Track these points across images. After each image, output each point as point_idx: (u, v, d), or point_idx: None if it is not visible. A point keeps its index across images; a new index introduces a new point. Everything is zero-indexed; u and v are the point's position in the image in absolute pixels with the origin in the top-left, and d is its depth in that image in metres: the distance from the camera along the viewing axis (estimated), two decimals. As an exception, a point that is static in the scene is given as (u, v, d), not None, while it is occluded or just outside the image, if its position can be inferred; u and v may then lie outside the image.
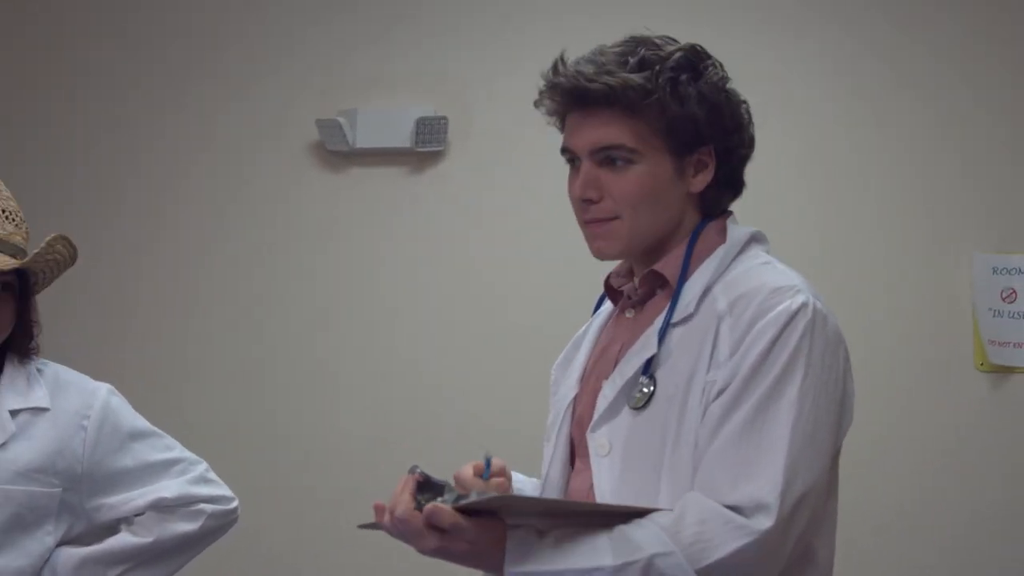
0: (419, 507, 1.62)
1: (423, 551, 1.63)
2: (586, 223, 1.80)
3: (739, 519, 1.58)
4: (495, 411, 3.51)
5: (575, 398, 1.89)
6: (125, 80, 3.85)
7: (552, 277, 3.64)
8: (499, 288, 3.72)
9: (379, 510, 1.67)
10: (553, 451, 1.88)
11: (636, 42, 1.78)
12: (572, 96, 1.77)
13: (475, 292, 3.74)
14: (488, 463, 1.74)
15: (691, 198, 1.81)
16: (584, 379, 1.90)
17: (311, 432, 3.73)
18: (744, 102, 1.83)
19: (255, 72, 3.82)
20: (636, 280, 1.85)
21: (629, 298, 1.87)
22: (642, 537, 1.58)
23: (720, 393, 1.67)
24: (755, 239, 1.84)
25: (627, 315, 1.87)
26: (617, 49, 1.77)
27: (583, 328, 2.01)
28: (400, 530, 1.63)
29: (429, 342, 3.74)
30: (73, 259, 2.42)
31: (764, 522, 1.58)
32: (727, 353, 1.68)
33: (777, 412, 1.63)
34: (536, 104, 1.84)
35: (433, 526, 1.59)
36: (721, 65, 1.81)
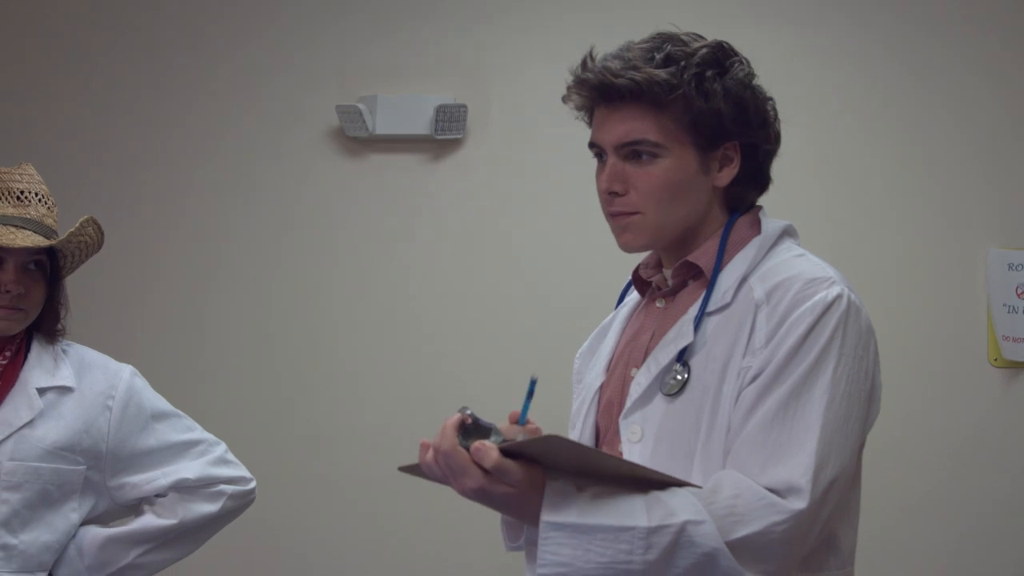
0: (463, 446, 1.61)
1: (463, 491, 1.61)
2: (612, 216, 1.82)
3: (772, 497, 1.61)
4: (513, 398, 3.49)
5: (602, 386, 1.90)
6: (147, 67, 3.85)
7: (571, 265, 3.65)
8: (516, 276, 3.73)
9: (424, 447, 1.66)
10: (579, 438, 1.89)
11: (663, 38, 1.80)
12: (599, 91, 1.78)
13: (492, 279, 3.74)
14: (532, 387, 1.70)
15: (716, 192, 1.83)
16: (612, 367, 1.91)
17: (326, 417, 3.74)
18: (770, 99, 1.85)
19: (277, 58, 3.82)
20: (668, 271, 1.87)
21: (659, 289, 1.89)
22: (677, 503, 1.60)
23: (755, 379, 1.69)
24: (787, 233, 1.87)
25: (658, 305, 1.88)
26: (644, 45, 1.79)
27: (608, 318, 2.02)
28: (444, 465, 1.61)
29: (446, 328, 3.75)
30: (100, 243, 2.46)
31: (797, 503, 1.61)
32: (763, 340, 1.71)
33: (810, 398, 1.66)
34: (564, 99, 1.86)
35: (478, 465, 1.58)
36: (747, 62, 1.82)
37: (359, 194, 3.79)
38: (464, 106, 3.70)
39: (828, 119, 3.70)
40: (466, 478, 1.59)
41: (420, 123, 3.72)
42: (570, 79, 1.84)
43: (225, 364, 3.77)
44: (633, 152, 1.78)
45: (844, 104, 3.71)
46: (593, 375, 1.94)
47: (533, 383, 1.69)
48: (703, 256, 1.82)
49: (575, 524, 1.58)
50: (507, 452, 1.58)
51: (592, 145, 1.84)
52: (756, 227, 1.85)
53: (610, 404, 1.87)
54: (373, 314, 3.77)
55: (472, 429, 1.62)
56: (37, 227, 2.35)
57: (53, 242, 2.35)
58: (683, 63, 1.76)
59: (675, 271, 1.85)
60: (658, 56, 1.76)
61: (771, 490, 1.62)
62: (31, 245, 2.31)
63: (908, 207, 3.68)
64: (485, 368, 3.68)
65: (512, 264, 3.74)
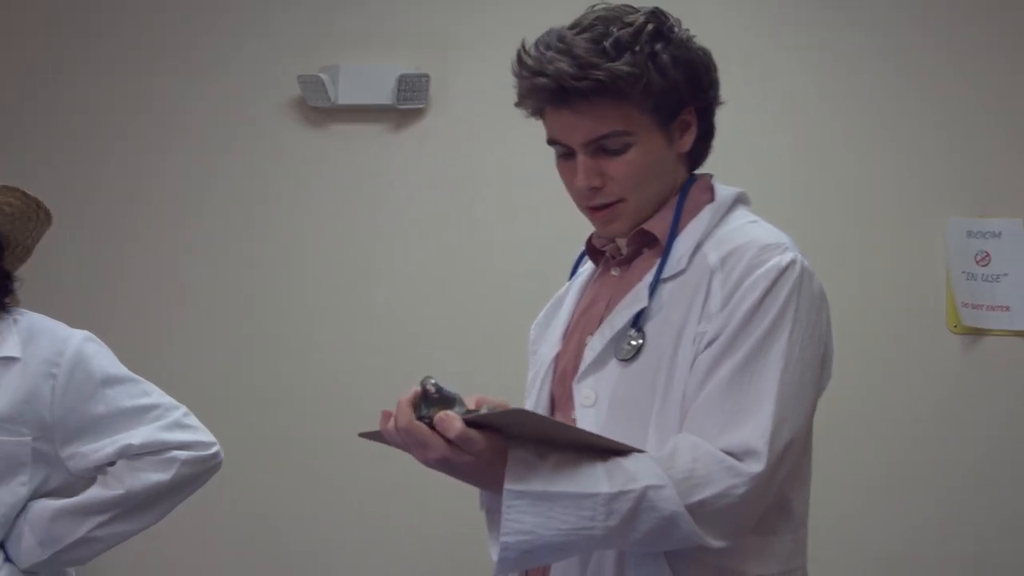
0: (420, 417, 1.62)
1: (426, 461, 1.62)
2: (592, 209, 1.82)
3: (730, 460, 1.63)
4: (478, 367, 3.47)
5: (557, 355, 1.91)
6: (106, 40, 3.82)
7: (535, 235, 3.63)
8: (478, 245, 3.72)
9: (385, 416, 1.66)
10: (534, 406, 1.89)
11: (600, 20, 1.77)
12: (558, 95, 1.75)
13: (455, 249, 3.74)
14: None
15: (681, 157, 1.85)
16: (567, 336, 1.92)
17: (291, 385, 3.74)
18: (706, 49, 1.84)
19: (238, 28, 3.79)
20: (622, 240, 1.87)
21: (613, 257, 1.90)
22: (636, 468, 1.61)
23: (710, 344, 1.70)
24: (740, 200, 1.88)
25: (613, 273, 1.89)
26: (585, 35, 1.75)
27: (563, 289, 2.02)
28: (404, 438, 1.62)
29: (410, 297, 3.75)
30: (39, 215, 2.39)
31: (754, 466, 1.62)
32: (718, 305, 1.72)
33: (766, 362, 1.68)
34: (517, 105, 1.83)
35: (441, 435, 1.58)
36: (679, 21, 1.82)
37: (322, 164, 3.77)
38: (426, 75, 3.68)
39: (784, 88, 3.70)
40: (428, 449, 1.60)
41: (382, 93, 3.70)
42: (517, 83, 1.80)
43: (190, 333, 3.76)
44: (601, 146, 1.77)
45: (801, 73, 3.71)
46: (548, 345, 1.94)
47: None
48: (658, 224, 1.83)
49: (538, 492, 1.58)
50: (471, 423, 1.58)
51: (554, 143, 1.82)
52: (709, 193, 1.87)
53: (565, 373, 1.87)
54: (337, 284, 3.76)
55: (436, 398, 1.62)
56: None
57: None
58: (636, 47, 1.74)
59: (630, 240, 1.86)
60: (607, 45, 1.73)
61: (729, 453, 1.63)
62: None
63: (867, 175, 3.68)
64: (449, 337, 3.67)
65: (475, 234, 3.73)
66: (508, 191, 3.70)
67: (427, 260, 3.75)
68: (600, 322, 1.83)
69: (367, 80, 3.70)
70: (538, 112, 1.82)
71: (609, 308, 1.84)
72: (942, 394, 3.62)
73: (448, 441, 1.58)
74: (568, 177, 1.83)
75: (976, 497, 3.59)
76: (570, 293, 1.99)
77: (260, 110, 3.79)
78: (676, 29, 1.80)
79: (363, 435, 1.77)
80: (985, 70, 3.67)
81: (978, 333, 3.63)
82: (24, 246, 2.43)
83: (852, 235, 3.67)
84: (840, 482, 3.43)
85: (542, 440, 1.63)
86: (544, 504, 1.58)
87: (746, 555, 1.71)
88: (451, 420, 1.58)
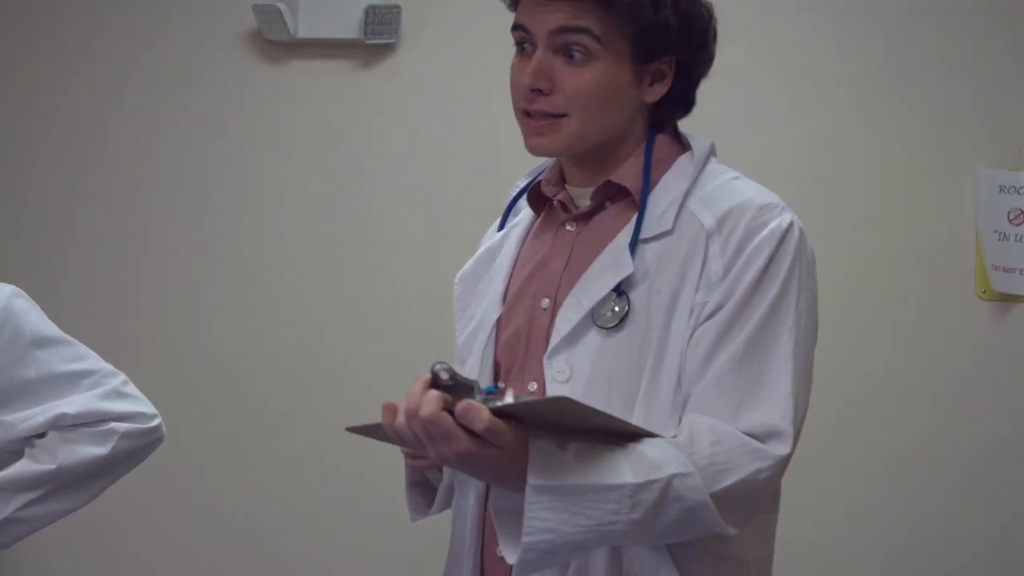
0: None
1: (442, 456, 1.57)
2: (528, 115, 1.80)
3: (754, 443, 1.64)
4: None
5: (500, 319, 1.89)
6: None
7: (509, 175, 3.47)
8: (451, 189, 3.57)
9: (389, 409, 1.59)
10: (474, 374, 1.84)
11: None
12: None
13: (425, 192, 3.59)
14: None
15: (642, 108, 1.83)
16: (512, 298, 1.89)
17: (256, 342, 3.61)
18: (714, 18, 1.85)
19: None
20: (576, 189, 1.87)
21: (564, 209, 1.88)
22: (660, 457, 1.61)
23: (712, 315, 1.70)
24: (712, 152, 1.88)
25: (568, 228, 1.87)
26: None
27: (495, 239, 2.01)
28: (421, 431, 1.56)
29: (381, 242, 3.60)
30: None
31: (780, 448, 1.65)
32: (719, 273, 1.72)
33: (777, 336, 1.70)
34: None
35: (464, 428, 1.54)
36: None
37: (280, 103, 3.59)
38: (397, 7, 3.47)
39: (797, 36, 3.52)
40: (450, 443, 1.55)
41: (348, 26, 3.49)
42: None
43: (147, 283, 3.63)
44: (565, 47, 1.76)
45: (827, 21, 3.53)
46: (485, 305, 1.93)
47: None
48: (627, 176, 1.82)
49: (563, 486, 1.57)
50: (496, 413, 1.55)
51: (517, 28, 1.79)
52: (677, 144, 1.87)
53: (515, 339, 1.85)
54: (299, 226, 3.61)
55: (450, 386, 1.58)
56: None
57: None
58: None
59: (596, 192, 1.84)
60: None
61: (750, 435, 1.65)
62: None
63: (885, 123, 3.48)
64: (425, 281, 3.49)
65: (446, 175, 3.57)
66: (480, 133, 3.53)
67: (394, 202, 3.59)
68: (558, 284, 1.82)
69: (331, 11, 3.49)
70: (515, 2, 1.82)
71: (570, 270, 1.82)
72: (969, 366, 3.43)
73: (472, 434, 1.54)
74: (517, 74, 1.81)
75: (1004, 473, 3.44)
76: (507, 246, 1.96)
77: (211, 43, 3.60)
78: None
79: (352, 430, 1.74)
80: (1016, 3, 3.46)
81: (1010, 300, 3.42)
82: None
83: (870, 190, 3.47)
84: (860, 456, 3.40)
85: (560, 429, 1.62)
86: (569, 498, 1.57)
87: (747, 538, 1.73)
88: (478, 410, 1.52)
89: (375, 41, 3.48)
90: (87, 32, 3.62)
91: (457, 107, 3.58)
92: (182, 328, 3.58)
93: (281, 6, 3.44)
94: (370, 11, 3.44)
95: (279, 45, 3.53)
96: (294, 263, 3.61)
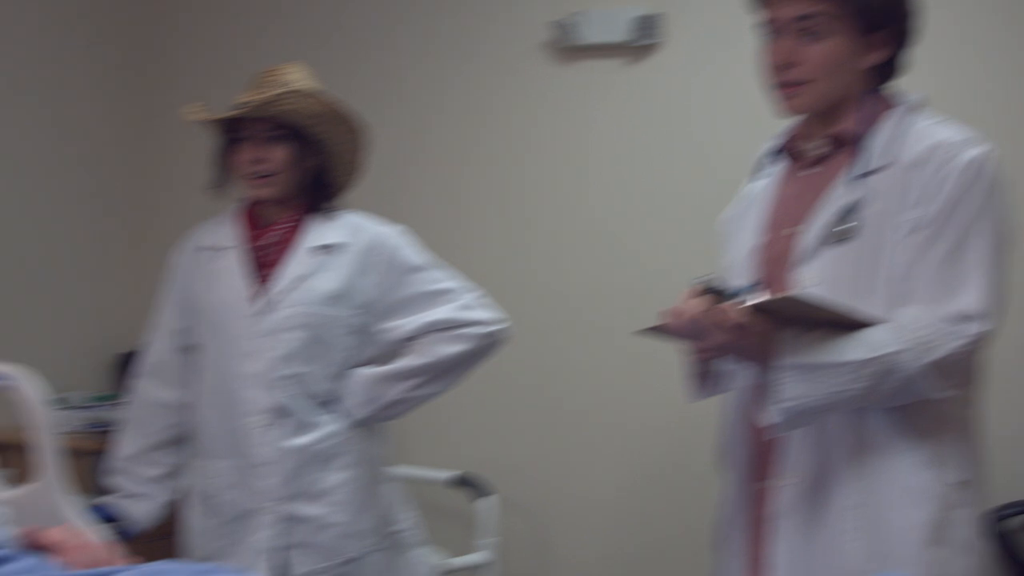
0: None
1: (715, 343, 1.79)
2: (780, 85, 1.98)
3: (957, 324, 1.80)
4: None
5: (761, 244, 2.04)
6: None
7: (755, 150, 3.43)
8: (703, 171, 3.73)
9: (672, 312, 1.83)
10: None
11: None
12: None
13: (684, 176, 3.79)
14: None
15: (862, 73, 1.98)
16: (771, 228, 2.04)
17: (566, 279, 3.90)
18: None
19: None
20: (815, 142, 2.02)
21: (803, 158, 2.04)
22: (880, 338, 1.79)
23: (917, 228, 1.85)
24: (922, 103, 2.00)
25: (805, 173, 2.03)
26: None
27: (749, 187, 2.16)
28: (695, 327, 1.78)
29: (634, 218, 3.82)
30: (336, 118, 2.56)
31: (976, 327, 1.81)
32: (920, 196, 1.86)
33: (979, 237, 1.84)
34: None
35: (729, 321, 1.75)
36: None
37: (569, 97, 3.93)
38: (661, 15, 3.77)
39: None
40: (716, 334, 1.78)
41: (619, 31, 3.83)
42: None
43: (475, 235, 4.01)
44: (804, 29, 1.92)
45: None
46: (745, 236, 2.08)
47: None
48: (850, 127, 1.97)
49: (808, 364, 1.77)
50: (761, 306, 1.75)
51: (766, 22, 1.97)
52: (891, 99, 2.00)
53: (775, 259, 1.99)
54: (603, 197, 3.88)
55: (720, 292, 1.79)
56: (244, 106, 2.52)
57: (236, 113, 2.53)
58: None
59: (826, 142, 2.00)
60: None
61: (953, 318, 1.80)
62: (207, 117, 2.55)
63: None
64: (668, 258, 3.70)
65: (703, 161, 3.74)
66: (737, 116, 3.61)
67: (658, 185, 3.81)
68: (802, 216, 1.97)
69: (607, 21, 3.84)
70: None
71: (809, 203, 1.97)
72: None
73: (736, 325, 1.76)
74: (768, 56, 1.97)
75: None
76: (759, 192, 2.11)
77: (514, 55, 4.00)
78: None
79: (640, 332, 1.93)
80: None
81: None
82: (338, 155, 2.64)
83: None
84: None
85: (800, 321, 1.79)
86: (813, 372, 1.76)
87: (963, 400, 1.91)
88: (742, 306, 1.76)
89: (642, 43, 3.81)
90: (432, 49, 4.08)
91: (711, 98, 3.76)
92: (516, 270, 3.92)
93: (570, 20, 3.88)
94: (639, 20, 3.78)
95: (568, 49, 3.90)
96: (574, 225, 3.91)
